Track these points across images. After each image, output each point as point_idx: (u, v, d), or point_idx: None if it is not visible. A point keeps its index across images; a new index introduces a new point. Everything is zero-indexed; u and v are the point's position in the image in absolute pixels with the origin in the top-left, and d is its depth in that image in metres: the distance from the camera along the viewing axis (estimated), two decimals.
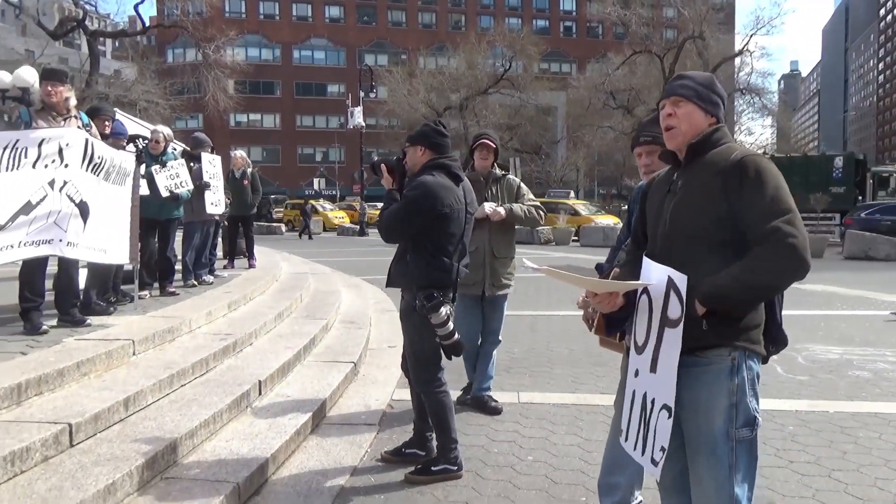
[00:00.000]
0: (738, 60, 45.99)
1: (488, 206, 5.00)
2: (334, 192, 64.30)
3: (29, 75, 15.40)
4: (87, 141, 5.18)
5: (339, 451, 4.28)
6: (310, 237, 30.47)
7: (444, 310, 3.78)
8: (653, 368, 2.34)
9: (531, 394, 5.59)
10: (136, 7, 33.87)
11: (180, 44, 59.17)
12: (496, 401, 5.21)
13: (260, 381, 4.89)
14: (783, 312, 2.48)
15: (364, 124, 33.20)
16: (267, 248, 15.28)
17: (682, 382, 2.28)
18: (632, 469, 3.16)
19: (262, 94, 70.83)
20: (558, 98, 56.45)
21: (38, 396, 3.88)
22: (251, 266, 10.88)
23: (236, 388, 4.63)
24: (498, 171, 5.31)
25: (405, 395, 5.21)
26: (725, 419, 2.26)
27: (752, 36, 43.69)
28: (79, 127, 5.37)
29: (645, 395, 2.40)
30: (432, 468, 3.90)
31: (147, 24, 36.30)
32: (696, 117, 2.34)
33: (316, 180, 58.61)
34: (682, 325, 2.21)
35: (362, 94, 34.26)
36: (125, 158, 5.85)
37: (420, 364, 3.99)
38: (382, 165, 4.07)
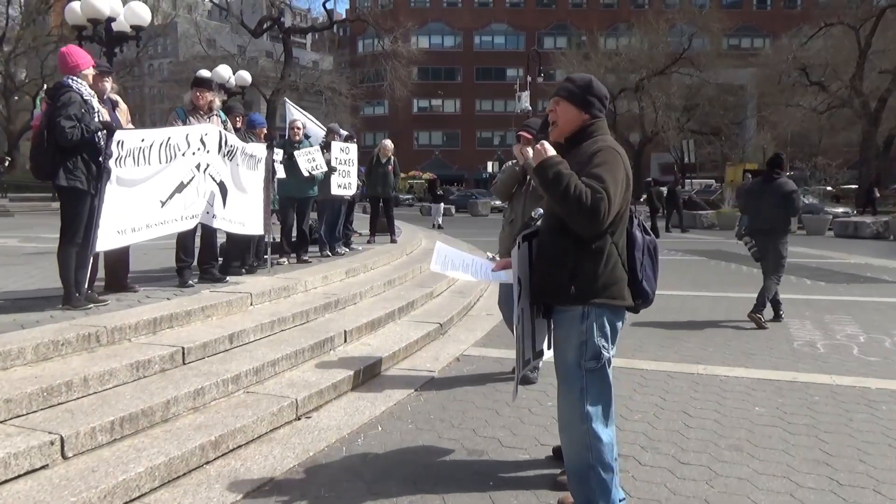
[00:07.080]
0: None
1: None
2: None
3: (247, 75, 19.37)
4: (220, 132, 6.44)
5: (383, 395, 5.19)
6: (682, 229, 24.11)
7: None
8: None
9: None
10: (323, 4, 37.22)
11: (370, 35, 62.82)
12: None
13: (346, 331, 5.93)
14: None
15: (530, 108, 33.83)
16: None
17: (555, 325, 2.93)
18: None
19: (444, 80, 73.41)
20: (745, 76, 53.19)
21: (169, 329, 5.16)
22: (393, 241, 12.11)
23: (323, 335, 5.69)
24: None
25: (475, 351, 6.13)
26: (576, 354, 2.85)
27: None
28: (216, 123, 6.67)
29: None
30: None
31: (343, 16, 39.68)
32: (571, 113, 2.91)
33: (490, 163, 59.95)
34: None
35: (529, 78, 34.91)
36: (256, 148, 7.12)
37: None
38: None
